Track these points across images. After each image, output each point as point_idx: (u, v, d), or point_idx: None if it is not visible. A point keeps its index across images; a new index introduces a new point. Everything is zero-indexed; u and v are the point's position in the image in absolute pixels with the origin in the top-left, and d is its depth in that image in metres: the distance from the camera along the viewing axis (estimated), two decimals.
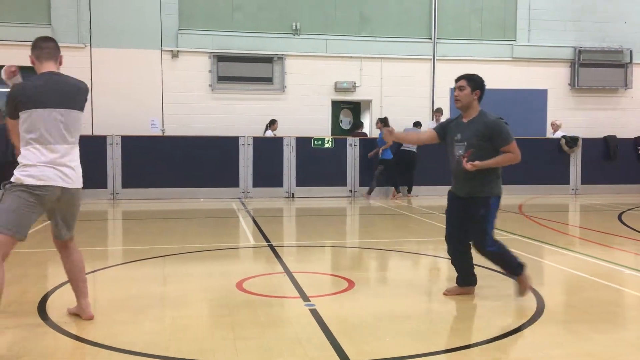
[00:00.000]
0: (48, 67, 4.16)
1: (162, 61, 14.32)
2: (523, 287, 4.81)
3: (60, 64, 4.26)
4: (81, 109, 4.15)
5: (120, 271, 6.09)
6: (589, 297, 5.07)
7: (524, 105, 15.69)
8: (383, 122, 13.30)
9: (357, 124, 14.94)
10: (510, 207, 11.72)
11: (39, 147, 3.90)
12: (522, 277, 4.80)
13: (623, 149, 14.83)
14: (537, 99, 16.02)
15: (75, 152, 4.09)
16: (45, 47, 4.20)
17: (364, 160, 13.92)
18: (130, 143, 12.96)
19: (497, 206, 4.86)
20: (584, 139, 14.91)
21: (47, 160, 3.90)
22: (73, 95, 4.10)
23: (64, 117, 4.00)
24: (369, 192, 13.41)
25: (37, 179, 3.86)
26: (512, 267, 4.83)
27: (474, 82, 4.85)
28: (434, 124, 14.62)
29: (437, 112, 14.72)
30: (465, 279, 5.01)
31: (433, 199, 13.40)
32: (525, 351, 3.70)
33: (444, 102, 15.39)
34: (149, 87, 14.19)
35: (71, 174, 4.01)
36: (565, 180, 14.94)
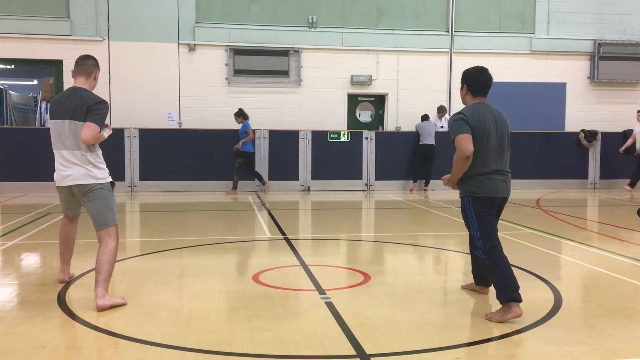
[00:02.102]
0: (77, 82, 4.62)
1: (179, 54, 14.38)
2: (497, 317, 4.13)
3: (95, 79, 4.68)
4: (79, 119, 4.42)
5: (138, 263, 6.15)
6: (607, 292, 5.02)
7: (542, 99, 15.53)
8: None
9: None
10: (528, 202, 11.63)
11: (54, 152, 4.56)
12: (506, 307, 4.13)
13: None
14: (556, 92, 15.84)
15: (74, 155, 4.46)
16: (81, 64, 4.64)
17: (379, 154, 13.90)
18: (148, 136, 13.06)
19: (474, 206, 4.35)
20: (603, 133, 14.74)
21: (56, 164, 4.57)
22: (73, 107, 4.45)
23: (59, 127, 4.48)
24: (234, 187, 13.02)
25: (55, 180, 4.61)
26: (501, 288, 4.20)
27: (462, 77, 4.72)
28: (438, 123, 14.52)
29: (441, 110, 14.58)
30: (478, 280, 4.88)
31: (450, 193, 13.33)
32: (542, 346, 3.67)
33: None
34: (166, 80, 14.26)
35: (68, 173, 4.47)
36: (584, 175, 14.79)
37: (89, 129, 4.36)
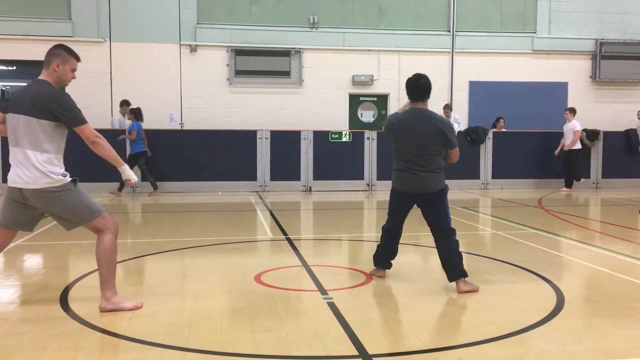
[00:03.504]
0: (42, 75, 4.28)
1: (180, 55, 14.40)
2: None
3: (54, 71, 4.25)
4: (35, 115, 4.09)
5: (139, 264, 6.15)
6: (609, 291, 5.02)
7: (544, 98, 15.52)
8: None
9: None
10: (530, 201, 11.62)
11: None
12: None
13: None
14: (557, 92, 15.83)
15: (28, 154, 4.09)
16: (46, 55, 4.31)
17: (381, 154, 13.89)
18: (149, 137, 13.06)
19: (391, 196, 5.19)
20: (605, 133, 14.71)
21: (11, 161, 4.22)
22: (29, 102, 4.13)
23: (14, 122, 4.15)
24: (154, 188, 12.58)
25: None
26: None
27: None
28: (456, 124, 14.48)
29: (446, 108, 14.56)
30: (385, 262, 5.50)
31: (450, 192, 13.33)
32: (545, 346, 3.67)
33: (462, 96, 15.27)
34: (167, 81, 14.28)
35: (24, 175, 4.09)
36: (586, 174, 14.76)
37: None
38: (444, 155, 5.03)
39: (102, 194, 12.04)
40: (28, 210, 4.27)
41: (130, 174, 4.39)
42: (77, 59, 4.40)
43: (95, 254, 4.30)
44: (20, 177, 4.12)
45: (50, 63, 4.26)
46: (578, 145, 13.69)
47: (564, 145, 13.83)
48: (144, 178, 12.44)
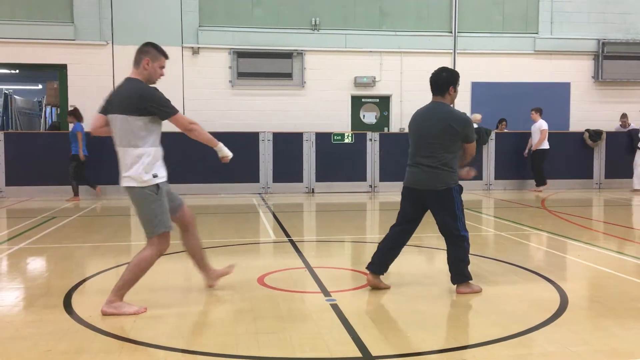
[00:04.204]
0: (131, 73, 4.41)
1: (182, 58, 14.42)
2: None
3: (145, 68, 4.38)
4: (129, 113, 4.21)
5: None
6: (613, 292, 5.00)
7: (546, 99, 15.47)
8: None
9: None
10: (533, 202, 11.60)
11: None
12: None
13: None
14: (560, 92, 15.81)
15: (126, 153, 4.24)
16: (136, 54, 4.42)
17: (383, 155, 13.91)
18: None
19: (460, 195, 4.97)
20: (607, 133, 14.69)
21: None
22: (118, 100, 4.26)
23: (113, 122, 4.28)
24: (75, 194, 12.22)
25: None
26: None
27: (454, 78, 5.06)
28: None
29: None
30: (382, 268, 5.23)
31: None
32: (548, 347, 3.66)
33: (465, 97, 15.26)
34: (170, 83, 14.15)
35: (122, 172, 4.27)
36: (589, 175, 14.74)
37: None
38: (455, 152, 4.83)
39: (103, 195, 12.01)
40: None
41: (226, 151, 4.50)
42: (166, 56, 4.52)
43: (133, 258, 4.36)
44: (121, 175, 4.27)
45: (140, 61, 4.36)
46: (545, 145, 13.70)
47: (531, 146, 13.86)
48: (77, 179, 12.22)
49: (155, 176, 4.26)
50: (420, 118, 4.94)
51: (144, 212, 4.30)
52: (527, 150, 14.05)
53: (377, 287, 5.01)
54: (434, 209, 4.92)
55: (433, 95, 4.95)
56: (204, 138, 4.43)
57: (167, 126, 4.54)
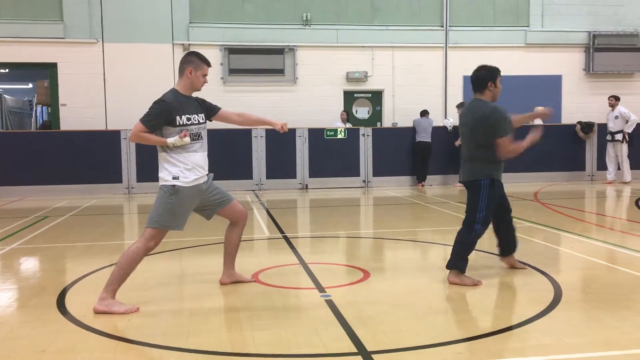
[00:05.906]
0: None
1: (174, 55, 14.35)
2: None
3: (188, 77, 4.49)
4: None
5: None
6: (607, 284, 5.03)
7: (538, 92, 15.52)
8: None
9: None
10: (525, 195, 11.64)
11: None
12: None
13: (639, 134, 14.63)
14: (551, 85, 15.85)
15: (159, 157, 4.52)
16: (180, 63, 4.57)
17: (376, 150, 13.90)
18: None
19: (490, 189, 5.08)
20: (599, 125, 14.74)
21: None
22: None
23: None
24: None
25: None
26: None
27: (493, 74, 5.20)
28: (449, 121, 14.47)
29: (461, 107, 14.51)
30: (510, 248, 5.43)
31: (447, 188, 13.34)
32: (544, 339, 3.67)
33: (456, 91, 15.28)
34: (161, 81, 14.16)
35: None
36: (581, 167, 14.80)
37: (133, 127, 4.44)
38: (484, 146, 4.96)
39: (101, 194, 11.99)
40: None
41: (175, 139, 4.41)
42: (208, 64, 4.59)
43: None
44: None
45: (183, 70, 4.50)
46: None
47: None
48: None
49: (175, 178, 4.43)
50: (461, 114, 5.29)
51: (155, 204, 4.48)
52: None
53: (513, 267, 5.41)
54: (467, 197, 5.15)
55: (473, 92, 5.17)
56: (153, 141, 4.46)
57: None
